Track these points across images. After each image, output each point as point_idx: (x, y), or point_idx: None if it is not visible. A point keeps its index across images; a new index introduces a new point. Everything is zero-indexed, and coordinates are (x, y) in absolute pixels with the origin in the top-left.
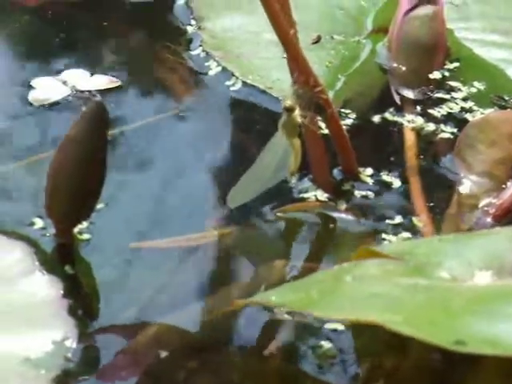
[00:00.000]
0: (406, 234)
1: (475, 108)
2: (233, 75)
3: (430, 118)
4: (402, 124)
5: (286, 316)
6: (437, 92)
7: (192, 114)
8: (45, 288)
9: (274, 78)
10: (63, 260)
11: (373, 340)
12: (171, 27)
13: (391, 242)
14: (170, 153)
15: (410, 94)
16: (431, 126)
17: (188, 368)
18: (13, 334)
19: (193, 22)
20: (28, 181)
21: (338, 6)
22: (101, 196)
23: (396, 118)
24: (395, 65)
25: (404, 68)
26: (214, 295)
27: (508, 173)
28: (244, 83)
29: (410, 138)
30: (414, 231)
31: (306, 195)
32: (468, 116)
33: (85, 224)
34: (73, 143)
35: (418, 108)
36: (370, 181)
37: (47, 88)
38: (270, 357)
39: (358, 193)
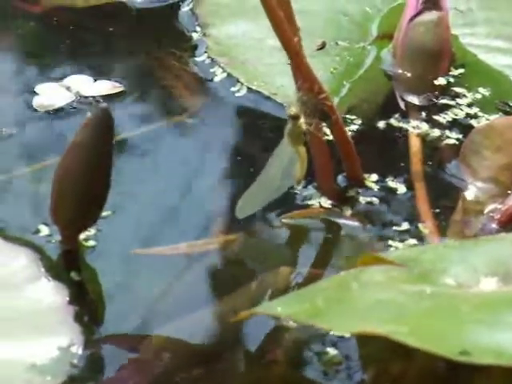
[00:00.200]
0: (412, 241)
1: (480, 114)
2: (238, 81)
3: (435, 124)
4: (407, 130)
5: (291, 323)
6: (442, 98)
7: (197, 120)
8: (50, 294)
9: (279, 84)
10: (69, 266)
11: (378, 346)
12: (176, 34)
13: (396, 248)
14: (175, 159)
15: (414, 100)
16: (436, 132)
17: (193, 376)
18: (19, 341)
19: (198, 28)
20: (33, 187)
21: (342, 12)
22: (107, 203)
23: (401, 124)
24: (400, 71)
25: (409, 74)
26: (220, 302)
27: None
28: (249, 89)
29: (415, 144)
30: (420, 237)
31: (310, 202)
32: (473, 122)
33: (92, 231)
34: (78, 149)
35: (423, 114)
36: (375, 187)
37: (51, 94)
38: (275, 364)
39: (362, 199)
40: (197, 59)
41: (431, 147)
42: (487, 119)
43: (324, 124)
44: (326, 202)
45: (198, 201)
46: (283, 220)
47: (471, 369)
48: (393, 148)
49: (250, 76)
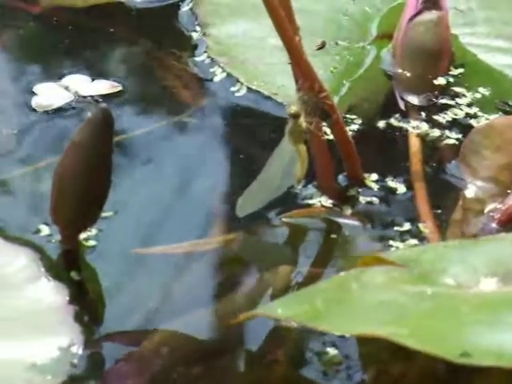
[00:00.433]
0: (412, 240)
1: (480, 114)
2: (238, 81)
3: (434, 123)
4: (406, 130)
5: (292, 322)
6: (441, 98)
7: (197, 120)
8: (51, 294)
9: (279, 84)
10: (69, 266)
11: (379, 346)
12: (176, 33)
13: (396, 248)
14: (175, 159)
15: (414, 99)
16: (436, 132)
17: (193, 374)
18: (19, 341)
19: (198, 28)
20: (33, 187)
21: (342, 12)
22: (108, 204)
23: (401, 124)
24: (400, 70)
25: (409, 74)
26: (220, 301)
27: None
28: (249, 89)
29: (414, 144)
30: (420, 237)
31: (310, 201)
32: (473, 122)
33: (93, 231)
34: (78, 149)
35: (423, 114)
36: (375, 186)
37: (50, 94)
38: (275, 363)
39: (362, 198)
40: (196, 59)
41: (431, 147)
42: (487, 119)
43: (324, 123)
44: (327, 202)
45: (197, 200)
46: (283, 219)
47: (471, 369)
48: (393, 148)
49: (249, 76)
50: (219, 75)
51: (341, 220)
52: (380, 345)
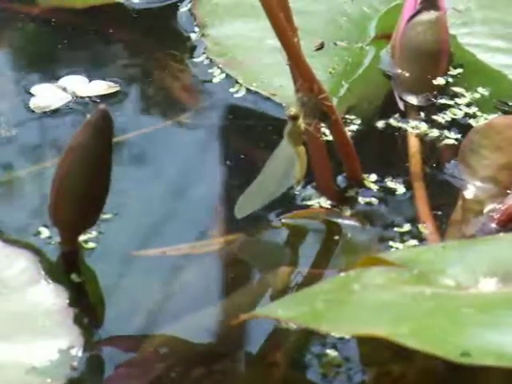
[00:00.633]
0: (411, 241)
1: (479, 113)
2: (236, 82)
3: (433, 123)
4: (406, 130)
5: (292, 324)
6: (440, 98)
7: (196, 121)
8: (50, 297)
9: (278, 85)
10: (69, 269)
11: (378, 347)
12: (175, 34)
13: (396, 248)
14: (174, 160)
15: (413, 100)
16: (435, 132)
17: (194, 377)
18: (19, 343)
19: (196, 29)
20: (33, 188)
21: (341, 13)
22: (107, 206)
23: (400, 124)
24: (399, 71)
25: (407, 74)
26: (220, 303)
27: None
28: (248, 90)
29: (414, 144)
30: (419, 238)
31: (309, 202)
32: (472, 122)
33: (93, 233)
34: (78, 150)
35: (422, 114)
36: (374, 187)
37: (48, 95)
38: (275, 365)
39: (362, 199)
40: (195, 60)
41: (430, 147)
42: (486, 119)
43: (323, 124)
44: (326, 203)
45: (197, 202)
46: (283, 220)
47: (471, 369)
48: (392, 148)
49: (248, 77)
50: (218, 76)
51: (340, 221)
52: (380, 346)
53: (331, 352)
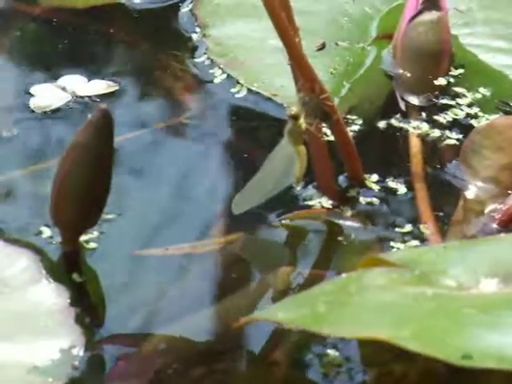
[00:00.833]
0: (413, 241)
1: (480, 114)
2: (238, 82)
3: (435, 124)
4: (407, 130)
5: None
6: (442, 98)
7: (197, 121)
8: (52, 296)
9: (279, 85)
10: (70, 268)
11: (379, 348)
12: (176, 35)
13: (397, 248)
14: (175, 161)
15: (415, 100)
16: (436, 133)
17: (194, 376)
18: (20, 343)
19: (197, 29)
20: (34, 188)
21: (342, 13)
22: (108, 206)
23: (401, 125)
24: (400, 71)
25: (409, 74)
26: (221, 303)
27: None
28: (249, 90)
29: (415, 145)
30: (421, 238)
31: (310, 202)
32: (473, 122)
33: (95, 233)
34: (79, 150)
35: (424, 114)
36: (375, 187)
37: (48, 95)
38: (275, 365)
39: (363, 199)
40: (196, 60)
41: (431, 147)
42: (487, 119)
43: (325, 124)
44: (327, 203)
45: (198, 202)
46: (283, 220)
47: (473, 370)
48: (393, 148)
49: (250, 77)
50: (219, 76)
51: (341, 221)
52: (381, 346)
53: (332, 352)
